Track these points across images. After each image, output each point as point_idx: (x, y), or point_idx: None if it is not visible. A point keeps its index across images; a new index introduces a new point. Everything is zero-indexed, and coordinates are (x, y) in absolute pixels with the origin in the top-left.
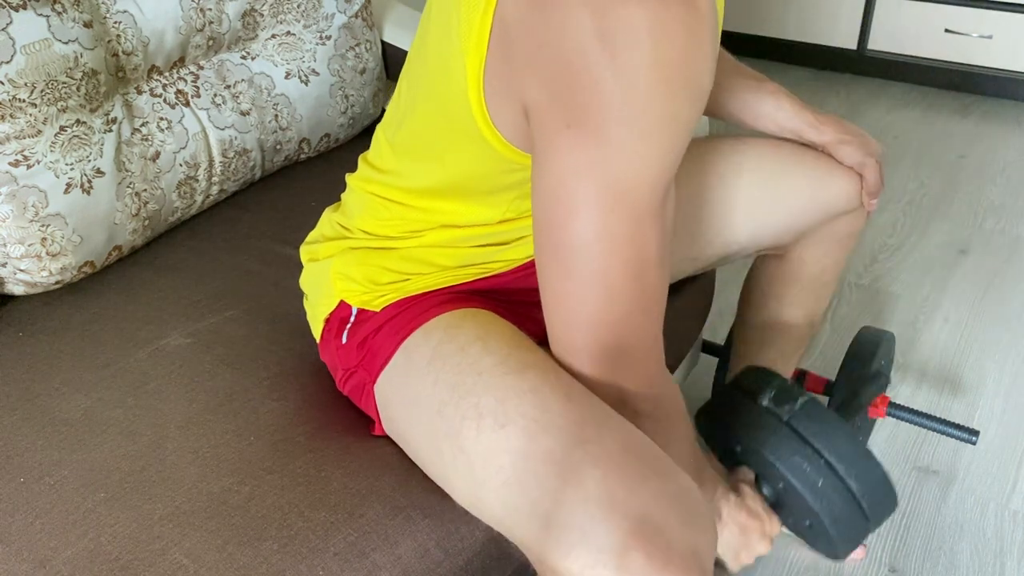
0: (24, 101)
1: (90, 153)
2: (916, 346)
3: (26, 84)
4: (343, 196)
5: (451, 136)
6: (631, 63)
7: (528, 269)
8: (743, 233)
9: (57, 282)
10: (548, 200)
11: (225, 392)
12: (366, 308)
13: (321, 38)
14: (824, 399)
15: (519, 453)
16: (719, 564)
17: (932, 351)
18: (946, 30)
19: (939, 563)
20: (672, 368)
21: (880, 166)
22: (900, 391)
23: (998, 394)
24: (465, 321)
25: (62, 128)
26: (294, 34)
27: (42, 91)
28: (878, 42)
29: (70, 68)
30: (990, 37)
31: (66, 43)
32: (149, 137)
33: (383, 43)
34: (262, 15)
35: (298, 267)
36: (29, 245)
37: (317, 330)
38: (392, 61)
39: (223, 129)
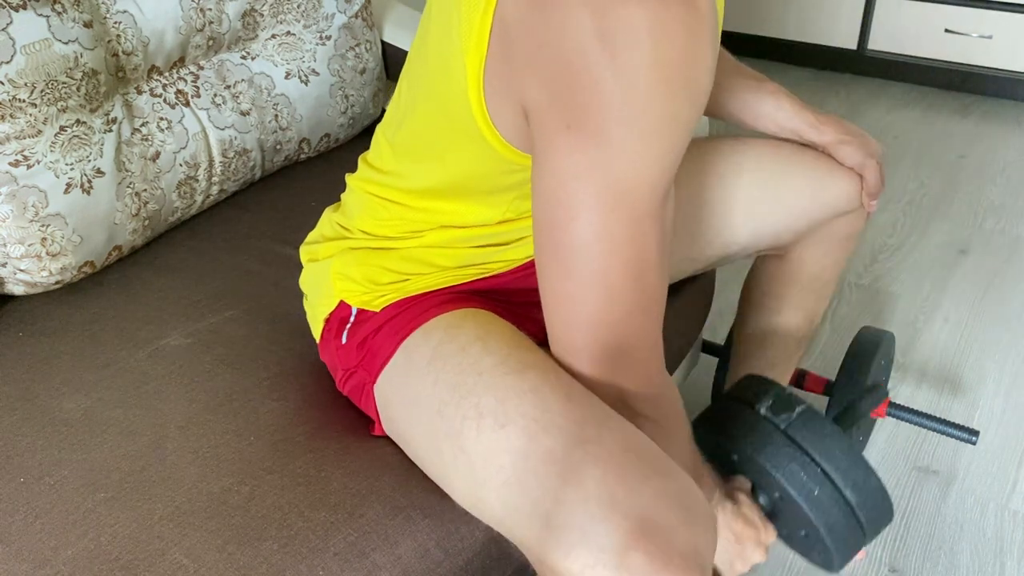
0: (24, 101)
1: (90, 153)
2: (916, 346)
3: (26, 84)
4: (343, 196)
5: (451, 136)
6: (631, 63)
7: (528, 269)
8: (743, 233)
9: (57, 282)
10: (548, 201)
11: (225, 392)
12: (366, 308)
13: (321, 38)
14: (824, 399)
15: (519, 453)
16: (714, 573)
17: (932, 351)
18: (946, 30)
19: (939, 563)
20: (672, 368)
21: (880, 167)
22: (900, 391)
23: (998, 394)
24: (465, 321)
25: (62, 128)
26: (294, 34)
27: (42, 91)
28: (878, 42)
29: (70, 68)
30: (990, 37)
31: (66, 43)
32: (149, 137)
33: (383, 43)
34: (262, 15)
35: (298, 267)
36: (29, 245)
37: (317, 330)
38: (392, 61)
39: (223, 129)
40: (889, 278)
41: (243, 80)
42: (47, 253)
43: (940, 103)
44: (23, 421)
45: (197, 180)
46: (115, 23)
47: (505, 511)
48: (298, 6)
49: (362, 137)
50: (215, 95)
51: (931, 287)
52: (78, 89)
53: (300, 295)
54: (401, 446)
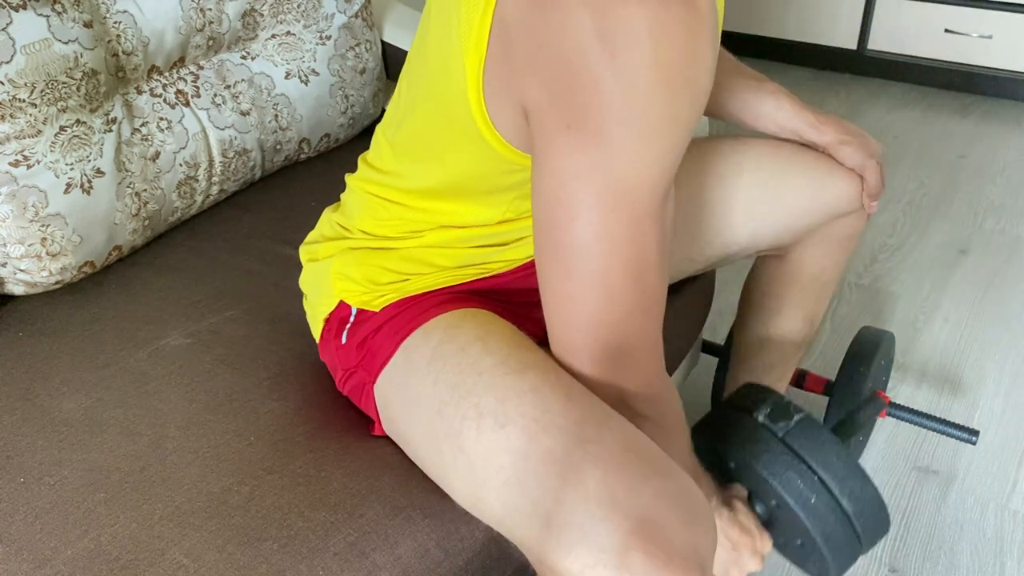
0: (24, 101)
1: (90, 153)
2: (916, 346)
3: (26, 84)
4: (343, 196)
5: (451, 136)
6: (631, 63)
7: (528, 269)
8: (743, 233)
9: (57, 282)
10: (548, 201)
11: (225, 392)
12: (366, 308)
13: (321, 38)
14: (824, 399)
15: (519, 453)
16: None
17: (932, 351)
18: (946, 30)
19: (939, 563)
20: (672, 368)
21: (881, 167)
22: (900, 391)
23: (998, 394)
24: (465, 321)
25: (62, 128)
26: (294, 34)
27: (42, 91)
28: (878, 42)
29: (70, 68)
30: (990, 37)
31: (66, 43)
32: (149, 137)
33: (383, 43)
34: (262, 15)
35: (298, 267)
36: (29, 245)
37: (317, 330)
38: (392, 61)
39: (223, 129)
40: (889, 278)
41: (243, 80)
42: (47, 253)
43: (940, 103)
44: (23, 421)
45: (197, 180)
46: (115, 23)
47: (505, 511)
48: (298, 6)
49: (362, 137)
50: (215, 95)
51: (931, 287)
52: (78, 89)
53: (300, 295)
54: (401, 446)
